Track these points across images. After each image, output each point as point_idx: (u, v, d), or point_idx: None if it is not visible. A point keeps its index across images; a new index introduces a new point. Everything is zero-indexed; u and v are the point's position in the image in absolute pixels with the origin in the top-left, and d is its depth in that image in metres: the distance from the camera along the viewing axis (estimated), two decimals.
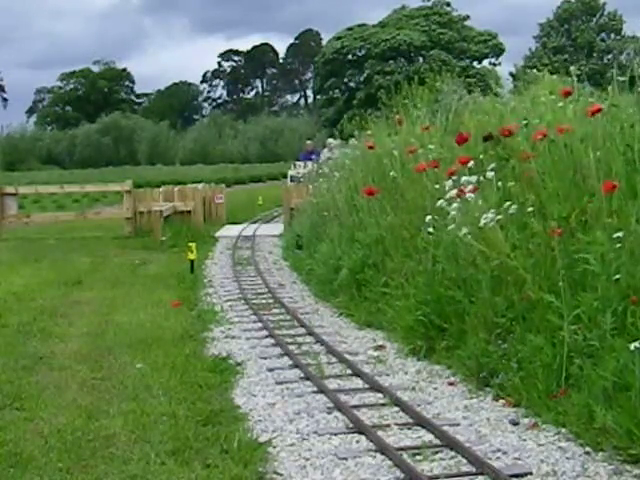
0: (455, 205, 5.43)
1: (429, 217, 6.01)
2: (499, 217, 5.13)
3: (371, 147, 8.98)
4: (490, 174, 5.55)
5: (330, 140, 23.64)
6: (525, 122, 6.35)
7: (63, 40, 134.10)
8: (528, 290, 5.00)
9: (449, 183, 5.61)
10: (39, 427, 4.58)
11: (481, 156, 6.09)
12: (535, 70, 7.58)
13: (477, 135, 7.01)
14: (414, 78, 9.84)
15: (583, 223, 4.96)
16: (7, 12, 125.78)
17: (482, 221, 5.12)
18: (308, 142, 24.59)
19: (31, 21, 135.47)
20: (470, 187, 5.40)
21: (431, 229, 6.13)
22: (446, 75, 9.85)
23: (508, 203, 5.26)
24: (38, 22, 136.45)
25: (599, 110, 5.31)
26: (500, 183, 5.61)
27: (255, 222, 18.65)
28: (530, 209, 5.16)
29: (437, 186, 6.19)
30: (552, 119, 5.99)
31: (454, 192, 5.47)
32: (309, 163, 21.41)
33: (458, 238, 5.60)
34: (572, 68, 6.45)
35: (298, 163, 22.56)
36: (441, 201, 5.61)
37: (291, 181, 22.16)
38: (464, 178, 5.53)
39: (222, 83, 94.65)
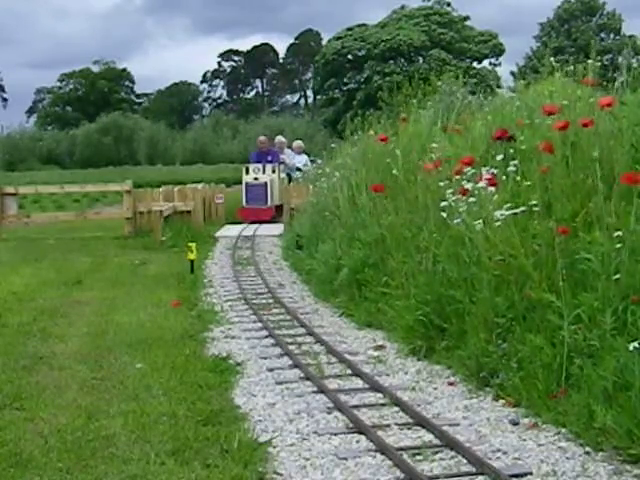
0: (471, 199, 5.45)
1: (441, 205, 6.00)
2: (508, 214, 5.15)
3: (384, 140, 8.73)
4: (511, 169, 5.57)
5: (280, 138, 19.56)
6: (529, 121, 6.37)
7: (65, 40, 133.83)
8: (529, 290, 5.00)
9: (468, 173, 5.64)
10: (39, 427, 4.57)
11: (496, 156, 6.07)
12: (543, 67, 7.59)
13: (483, 134, 7.03)
14: (414, 78, 9.86)
15: (588, 223, 4.96)
16: (8, 12, 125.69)
17: (496, 217, 5.14)
18: (261, 138, 19.57)
19: (32, 21, 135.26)
20: (487, 180, 5.42)
21: (434, 227, 6.14)
22: (448, 74, 9.86)
23: (512, 203, 5.27)
24: (39, 22, 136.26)
25: (610, 104, 5.26)
26: (509, 181, 5.63)
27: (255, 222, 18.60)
28: (536, 208, 5.16)
29: (444, 183, 6.19)
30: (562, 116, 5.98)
31: (469, 185, 5.50)
32: (269, 167, 17.74)
33: (465, 234, 5.61)
34: (590, 61, 6.45)
35: (254, 167, 17.88)
36: (452, 196, 5.64)
37: (247, 196, 17.54)
38: (484, 169, 5.57)
39: (222, 83, 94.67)
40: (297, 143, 19.77)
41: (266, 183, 17.39)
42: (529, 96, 7.58)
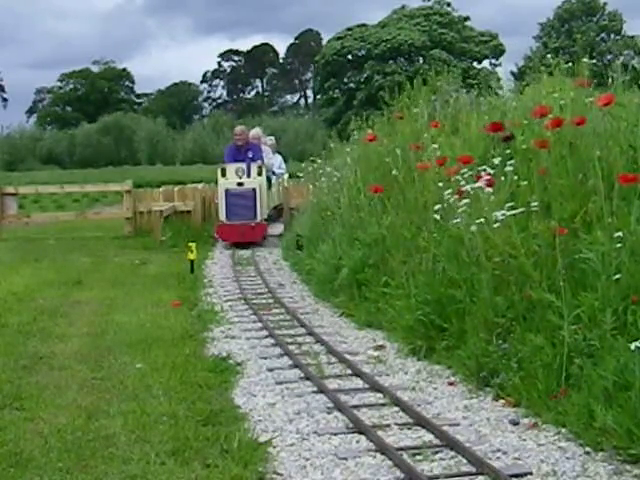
0: (466, 200, 5.46)
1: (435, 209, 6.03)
2: (507, 215, 5.15)
3: (372, 139, 8.86)
4: (508, 169, 5.57)
5: (257, 131, 15.73)
6: (526, 121, 6.36)
7: (65, 40, 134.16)
8: (530, 290, 5.00)
9: (464, 174, 5.65)
10: (39, 427, 4.57)
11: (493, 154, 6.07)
12: (542, 68, 7.59)
13: (481, 134, 7.02)
14: (414, 78, 9.87)
15: (587, 223, 4.96)
16: (9, 12, 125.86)
17: (496, 217, 5.14)
18: (238, 129, 14.64)
19: (33, 21, 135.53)
20: (485, 180, 5.42)
21: (433, 227, 6.15)
22: (446, 74, 9.86)
23: (511, 203, 5.27)
24: (40, 22, 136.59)
25: (609, 102, 5.24)
26: (508, 181, 5.64)
27: None
28: (535, 209, 5.16)
29: (441, 184, 6.20)
30: (559, 114, 5.99)
31: (468, 187, 5.50)
32: (254, 167, 13.41)
33: (465, 234, 5.61)
34: (585, 60, 6.45)
35: (236, 167, 13.36)
36: (450, 197, 5.65)
37: (228, 209, 13.22)
38: (482, 169, 5.58)
39: (222, 83, 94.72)
40: (269, 140, 16.51)
41: (254, 190, 13.13)
42: (528, 96, 7.58)
